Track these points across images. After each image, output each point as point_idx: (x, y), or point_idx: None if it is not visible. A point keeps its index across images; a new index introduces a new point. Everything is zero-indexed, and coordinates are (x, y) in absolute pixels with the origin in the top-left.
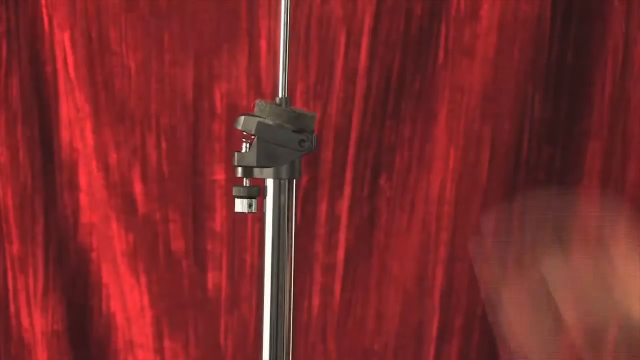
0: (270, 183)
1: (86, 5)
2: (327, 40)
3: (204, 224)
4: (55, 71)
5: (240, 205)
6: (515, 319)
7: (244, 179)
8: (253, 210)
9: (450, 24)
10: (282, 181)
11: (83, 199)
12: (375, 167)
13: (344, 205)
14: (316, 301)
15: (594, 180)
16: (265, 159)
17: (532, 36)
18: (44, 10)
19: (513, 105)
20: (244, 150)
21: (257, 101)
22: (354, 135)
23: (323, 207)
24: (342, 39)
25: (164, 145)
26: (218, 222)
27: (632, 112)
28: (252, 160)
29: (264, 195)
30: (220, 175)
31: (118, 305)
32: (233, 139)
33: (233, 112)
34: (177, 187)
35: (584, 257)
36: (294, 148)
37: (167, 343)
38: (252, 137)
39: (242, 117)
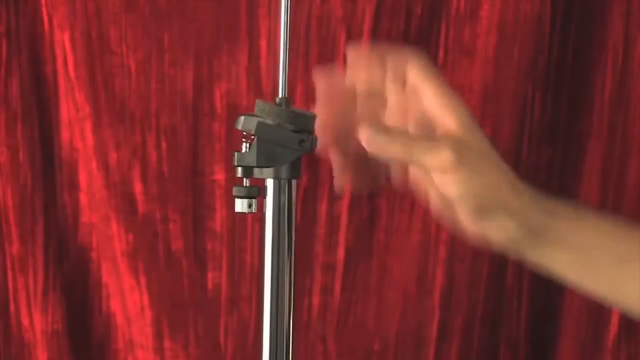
0: (270, 183)
1: (86, 5)
2: (327, 40)
3: (204, 224)
4: (55, 71)
5: (240, 206)
6: None
7: (244, 179)
8: (253, 210)
9: (450, 24)
10: (282, 181)
11: (83, 199)
12: None
13: (344, 205)
14: (316, 301)
15: (594, 180)
16: (265, 159)
17: (532, 36)
18: (44, 10)
19: (513, 105)
20: (243, 150)
21: (257, 101)
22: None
23: (323, 207)
24: (342, 39)
25: (164, 145)
26: (218, 222)
27: (632, 112)
28: (252, 160)
29: (264, 195)
30: (220, 175)
31: (118, 305)
32: (233, 139)
33: (233, 112)
34: (177, 187)
35: None
36: (294, 148)
37: (167, 343)
38: (252, 137)
39: (242, 117)
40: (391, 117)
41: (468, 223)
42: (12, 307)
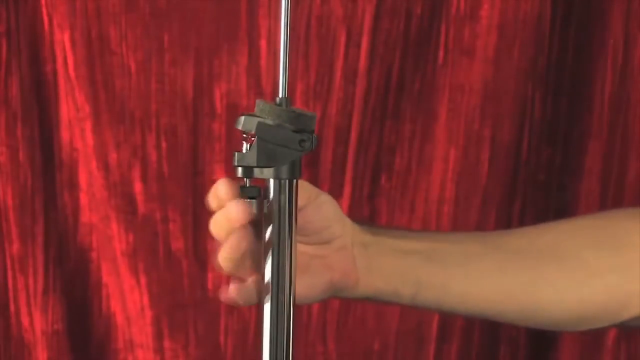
0: (270, 183)
1: (86, 5)
2: (327, 40)
3: (204, 224)
4: (55, 71)
5: None
6: None
7: (245, 179)
8: (254, 211)
9: (450, 24)
10: (282, 181)
11: (83, 198)
12: (375, 167)
13: (344, 205)
14: None
15: (594, 180)
16: (266, 159)
17: (532, 36)
18: (44, 10)
19: (513, 105)
20: (244, 150)
21: (257, 101)
22: (354, 135)
23: None
24: (342, 39)
25: (164, 145)
26: None
27: (632, 112)
28: (252, 160)
29: (265, 196)
30: (220, 175)
31: (118, 305)
32: (233, 139)
33: (233, 112)
34: (177, 187)
35: None
36: (294, 148)
37: (167, 343)
38: (252, 137)
39: (242, 117)
40: None
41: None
42: (12, 307)
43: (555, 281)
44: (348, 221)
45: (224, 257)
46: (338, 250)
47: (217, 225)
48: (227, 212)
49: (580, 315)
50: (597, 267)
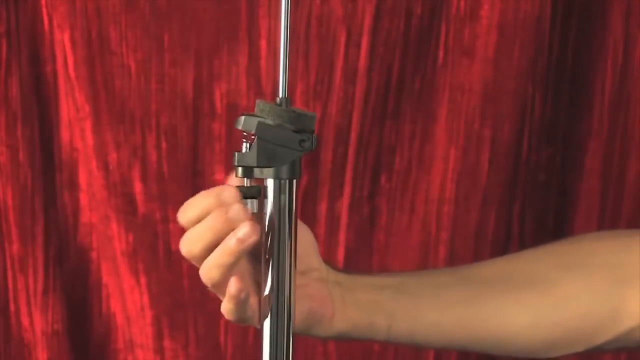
0: (270, 183)
1: (86, 5)
2: (327, 40)
3: None
4: (55, 71)
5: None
6: None
7: (245, 179)
8: (254, 210)
9: (450, 24)
10: (282, 181)
11: (83, 199)
12: (375, 167)
13: (344, 205)
14: None
15: (594, 180)
16: (266, 159)
17: (532, 36)
18: (44, 10)
19: (513, 105)
20: (244, 150)
21: (258, 101)
22: (354, 135)
23: (323, 207)
24: (342, 39)
25: (164, 145)
26: None
27: (632, 112)
28: (252, 160)
29: (264, 196)
30: (220, 175)
31: (118, 305)
32: (233, 139)
33: (233, 112)
34: (177, 187)
35: None
36: (294, 148)
37: (167, 343)
38: (252, 137)
39: (242, 117)
40: None
41: None
42: (12, 307)
43: (528, 306)
44: (323, 262)
45: (218, 262)
46: (316, 281)
47: (212, 230)
48: (229, 213)
49: (554, 340)
50: (569, 291)
